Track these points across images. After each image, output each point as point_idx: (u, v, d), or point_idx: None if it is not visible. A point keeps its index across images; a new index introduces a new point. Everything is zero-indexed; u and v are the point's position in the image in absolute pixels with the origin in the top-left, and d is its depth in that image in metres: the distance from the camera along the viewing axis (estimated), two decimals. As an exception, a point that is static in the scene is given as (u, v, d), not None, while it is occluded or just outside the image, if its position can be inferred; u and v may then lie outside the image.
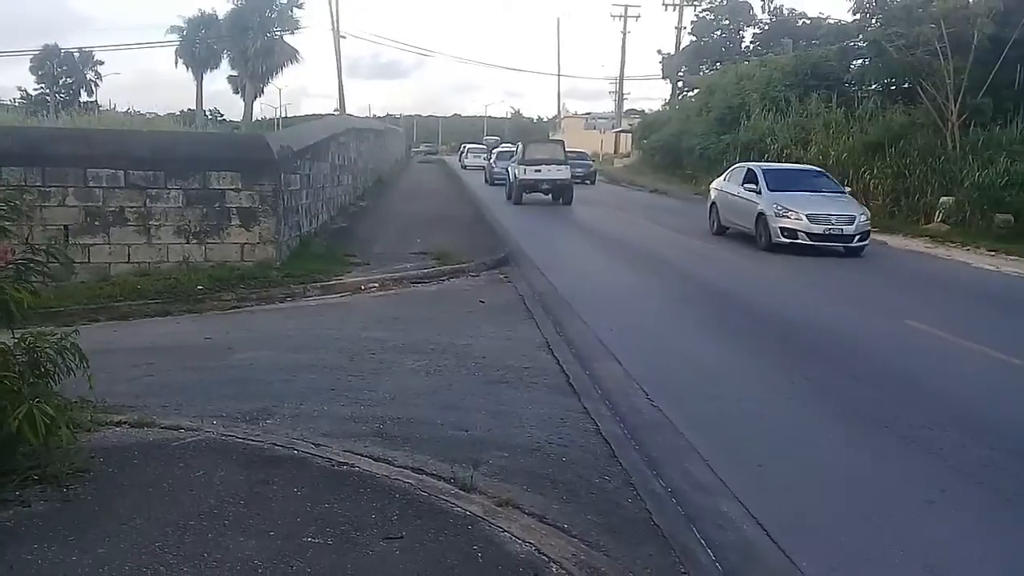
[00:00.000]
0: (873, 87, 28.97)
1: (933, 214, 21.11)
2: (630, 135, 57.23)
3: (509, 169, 28.01)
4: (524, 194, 26.05)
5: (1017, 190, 19.08)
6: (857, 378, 7.51)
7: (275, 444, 4.87)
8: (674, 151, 38.98)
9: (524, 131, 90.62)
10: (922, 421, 6.28)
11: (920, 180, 22.16)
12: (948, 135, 22.81)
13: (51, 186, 10.60)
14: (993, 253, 16.73)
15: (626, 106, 66.00)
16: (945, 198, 20.86)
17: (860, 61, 30.38)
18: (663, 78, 58.32)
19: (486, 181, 36.16)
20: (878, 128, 25.44)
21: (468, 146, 58.59)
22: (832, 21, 42.77)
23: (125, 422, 5.13)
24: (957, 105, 22.55)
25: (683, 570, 3.88)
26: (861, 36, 28.56)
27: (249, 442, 4.91)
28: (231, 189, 11.27)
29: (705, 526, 4.45)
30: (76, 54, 75.53)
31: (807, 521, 4.63)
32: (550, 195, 26.15)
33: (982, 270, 15.00)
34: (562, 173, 25.99)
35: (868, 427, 6.24)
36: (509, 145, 39.75)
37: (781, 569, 4.07)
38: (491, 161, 37.72)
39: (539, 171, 25.89)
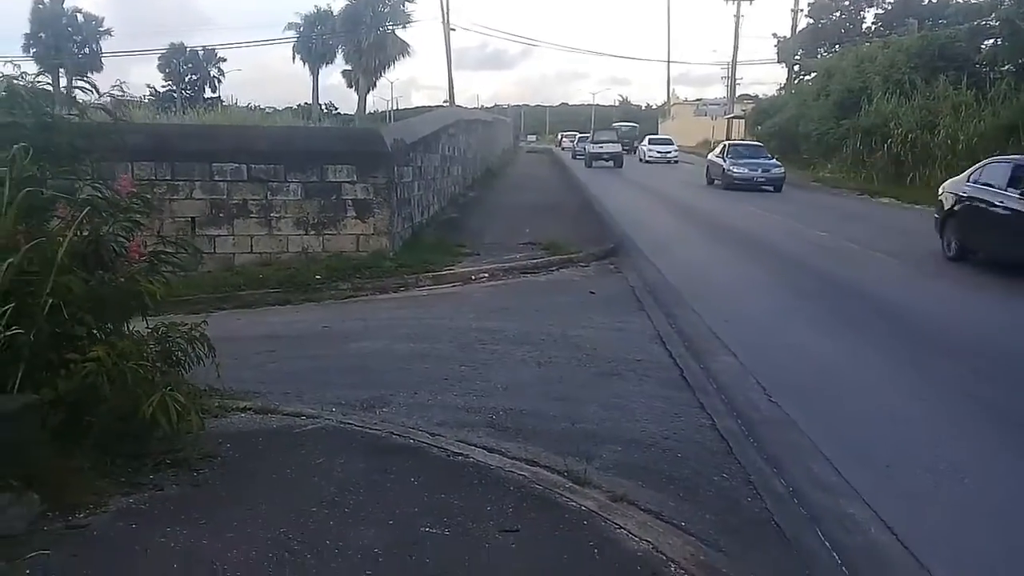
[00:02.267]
0: (1006, 67, 27.24)
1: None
2: (743, 121, 55.64)
3: (585, 147, 45.83)
4: (593, 161, 42.44)
5: None
6: (990, 378, 7.05)
7: (392, 433, 4.95)
8: (790, 137, 37.68)
9: (632, 118, 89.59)
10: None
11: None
12: (1090, 116, 21.26)
13: (179, 180, 11.13)
14: None
15: (738, 91, 64.26)
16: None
17: (992, 41, 28.61)
18: (778, 62, 56.55)
19: (572, 156, 50.68)
20: (1012, 110, 23.97)
21: (564, 134, 73.86)
22: (961, 0, 40.44)
23: (250, 408, 5.32)
24: (1102, 83, 20.98)
25: (808, 573, 3.74)
26: (993, 15, 26.92)
27: (367, 430, 5.01)
28: (347, 182, 11.55)
29: (830, 528, 4.27)
30: (200, 52, 79.17)
31: (939, 527, 4.37)
32: (611, 162, 41.79)
33: None
34: (616, 148, 43.23)
35: (1009, 429, 5.86)
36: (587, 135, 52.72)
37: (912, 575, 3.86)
38: (574, 144, 55.75)
39: (602, 147, 43.04)
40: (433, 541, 3.57)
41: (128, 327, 4.48)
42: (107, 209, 4.46)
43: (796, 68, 51.02)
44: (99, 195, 4.43)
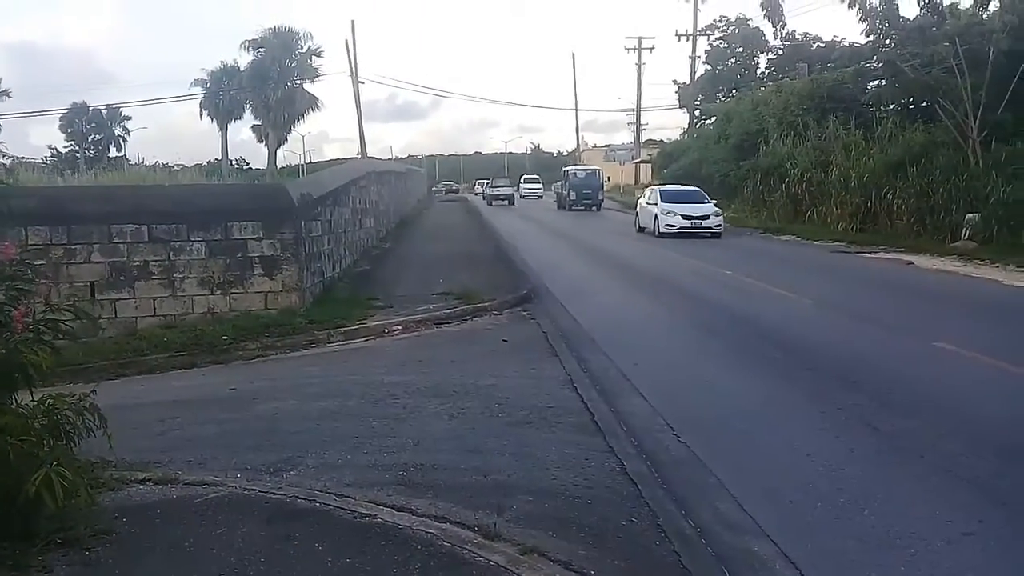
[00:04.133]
0: (891, 107, 28.84)
1: (959, 232, 20.87)
2: (650, 165, 57.33)
3: (485, 191, 59.01)
4: (492, 200, 52.40)
5: (1046, 205, 18.86)
6: (888, 405, 7.35)
7: (297, 497, 4.85)
8: (695, 179, 38.82)
9: (544, 165, 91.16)
10: (960, 449, 6.13)
11: (944, 198, 21.99)
12: (970, 152, 22.65)
13: (76, 243, 10.76)
14: (1023, 269, 16.46)
15: (644, 136, 66.29)
16: (971, 215, 20.65)
17: (876, 82, 30.24)
18: (680, 107, 58.54)
19: (483, 199, 57.28)
20: (898, 148, 25.35)
21: (478, 181, 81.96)
22: (846, 44, 42.61)
23: (149, 479, 5.14)
24: (977, 121, 22.41)
25: (714, 615, 3.79)
26: (876, 57, 28.47)
27: (272, 496, 4.89)
28: (253, 238, 11.38)
29: (736, 567, 4.36)
30: (104, 110, 77.35)
31: (840, 558, 4.49)
32: (505, 200, 52.38)
33: (1013, 287, 14.73)
34: (509, 191, 54.67)
35: (903, 458, 6.10)
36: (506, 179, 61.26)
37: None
38: (484, 190, 61.86)
39: (498, 190, 54.29)
40: (337, 609, 3.49)
41: (13, 400, 4.29)
42: (-12, 278, 4.29)
43: (697, 113, 52.94)
44: (-23, 265, 4.26)
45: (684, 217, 25.03)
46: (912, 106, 27.76)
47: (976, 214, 20.42)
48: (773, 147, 31.32)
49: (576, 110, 71.55)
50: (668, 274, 17.27)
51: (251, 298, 11.33)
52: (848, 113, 29.90)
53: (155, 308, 11.02)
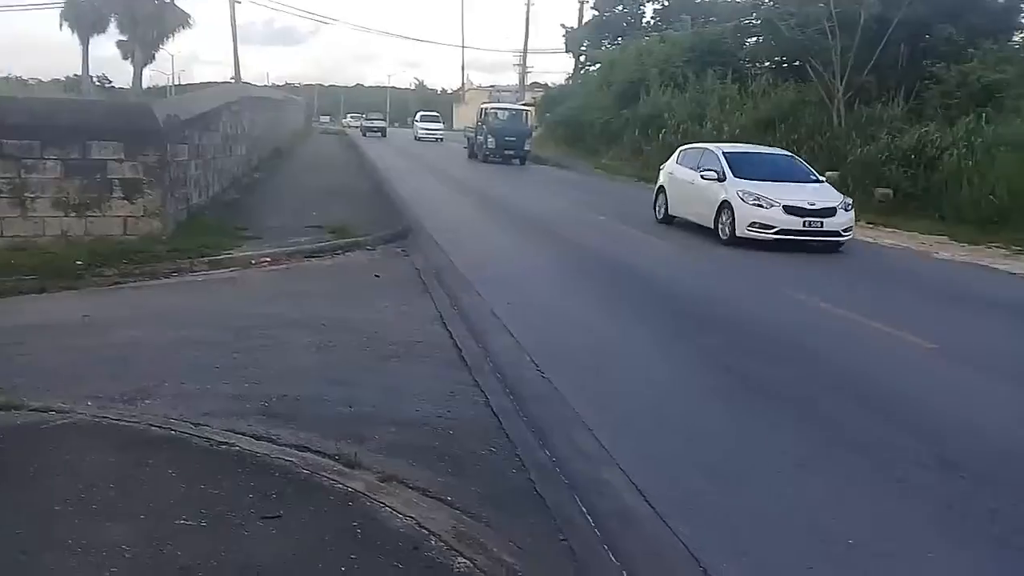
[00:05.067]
0: (766, 65, 29.86)
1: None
2: (533, 108, 57.37)
3: (362, 123, 64.76)
4: (367, 132, 58.02)
5: (896, 165, 20.02)
6: (743, 348, 7.77)
7: (151, 425, 4.71)
8: (576, 125, 39.32)
9: (428, 102, 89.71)
10: (798, 387, 6.58)
11: (808, 155, 22.95)
12: (834, 112, 23.75)
13: (-87, 157, 9.91)
14: (872, 226, 17.56)
15: (530, 79, 66.14)
16: (830, 173, 21.69)
17: (754, 39, 31.22)
18: (566, 52, 58.59)
19: (362, 132, 59.66)
20: (770, 105, 26.31)
21: (350, 115, 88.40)
22: (729, 0, 43.69)
23: (-9, 405, 4.88)
24: (843, 83, 23.47)
25: (563, 537, 3.96)
26: (755, 15, 29.36)
27: (124, 423, 4.74)
28: (114, 159, 10.75)
29: (587, 495, 4.54)
30: (-52, 14, 70.63)
31: (685, 488, 4.76)
32: (378, 132, 57.99)
33: (861, 242, 15.68)
34: (382, 124, 62.70)
35: (752, 395, 6.49)
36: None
37: (658, 535, 4.19)
38: (361, 123, 66.55)
39: (373, 123, 60.32)
40: (188, 533, 3.45)
41: None
42: None
43: (583, 59, 53.18)
44: None
45: (790, 211, 13.85)
46: (785, 64, 28.84)
47: (835, 172, 21.52)
48: (654, 97, 31.93)
49: (463, 47, 71.15)
50: (538, 212, 17.51)
51: (109, 222, 10.75)
52: (726, 68, 30.76)
53: (2, 229, 10.31)
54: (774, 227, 13.71)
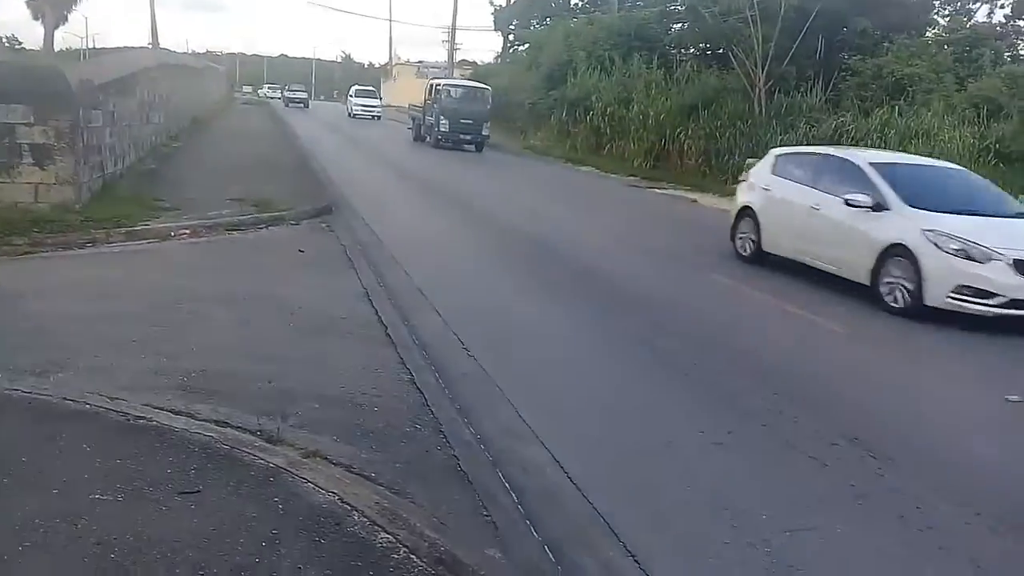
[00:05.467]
0: (691, 51, 30.32)
1: (739, 175, 22.50)
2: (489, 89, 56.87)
3: (284, 95, 67.60)
4: (288, 103, 61.29)
5: (814, 154, 20.56)
6: (664, 327, 7.95)
7: (65, 399, 4.56)
8: (505, 105, 39.20)
9: (355, 76, 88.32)
10: (717, 368, 6.77)
11: (729, 142, 23.55)
12: (755, 100, 24.31)
13: None
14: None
15: (459, 57, 65.52)
16: (751, 160, 22.20)
17: (679, 25, 31.63)
18: (495, 30, 58.34)
19: (284, 103, 62.39)
20: (693, 91, 26.73)
21: (268, 84, 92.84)
22: (655, -16, 44.08)
23: None
24: (764, 72, 24.03)
25: (485, 513, 4.01)
26: (680, 1, 29.75)
27: (36, 396, 4.58)
28: (22, 123, 10.27)
29: (510, 471, 4.60)
30: None
31: (605, 465, 4.87)
32: (301, 104, 62.39)
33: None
34: (304, 95, 66.08)
35: (670, 375, 6.65)
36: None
37: (579, 510, 4.27)
38: (283, 95, 68.43)
39: (295, 94, 64.76)
40: (103, 508, 3.37)
41: None
42: None
43: (511, 38, 53.05)
44: None
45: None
46: (709, 52, 29.38)
47: (756, 159, 22.05)
48: (581, 79, 32.03)
49: (391, 21, 69.85)
50: (468, 195, 17.47)
51: (18, 189, 10.30)
52: (652, 53, 31.08)
53: (-100, 194, 9.79)
54: (1000, 296, 8.48)
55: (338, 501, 3.66)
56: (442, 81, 33.56)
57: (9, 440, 3.93)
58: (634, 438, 5.32)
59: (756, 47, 23.85)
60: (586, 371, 6.70)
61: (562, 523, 4.13)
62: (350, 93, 53.56)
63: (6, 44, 66.65)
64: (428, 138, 30.79)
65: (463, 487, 4.22)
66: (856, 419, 5.85)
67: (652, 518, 4.25)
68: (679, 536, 4.11)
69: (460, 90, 31.53)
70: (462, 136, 29.56)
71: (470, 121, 29.40)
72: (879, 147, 19.09)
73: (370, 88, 56.47)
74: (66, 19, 61.79)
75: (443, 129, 29.43)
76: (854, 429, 5.55)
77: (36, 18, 61.16)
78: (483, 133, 29.70)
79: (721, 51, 27.45)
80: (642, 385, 6.43)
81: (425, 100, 31.64)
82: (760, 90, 24.23)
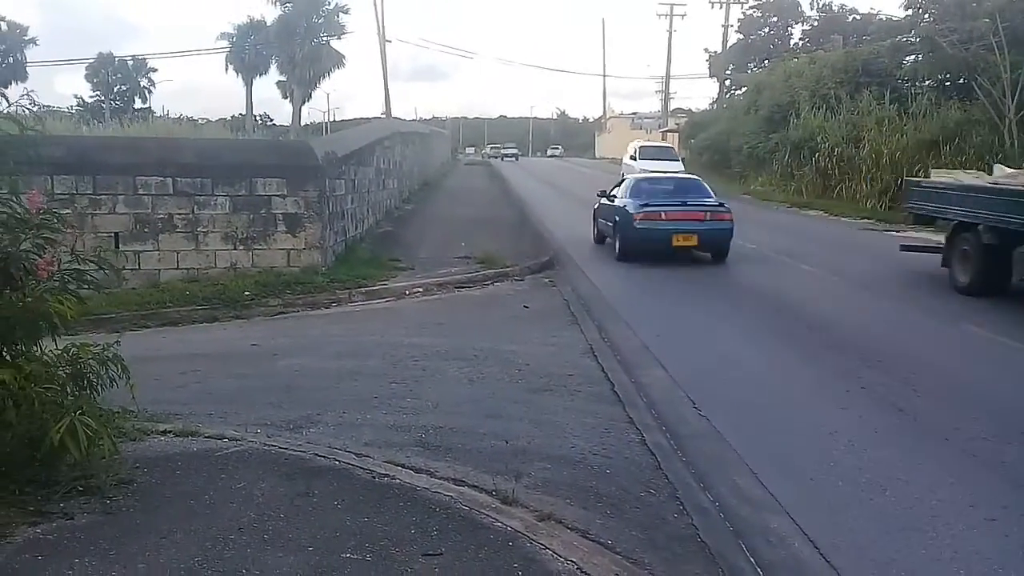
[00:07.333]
0: (927, 83, 28.23)
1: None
2: (677, 134, 56.65)
3: (499, 153, 76.64)
4: (503, 158, 67.43)
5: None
6: (912, 386, 7.24)
7: (317, 454, 4.85)
8: (722, 150, 38.42)
9: (570, 131, 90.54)
10: (981, 432, 6.04)
11: (978, 178, 21.52)
12: (1005, 132, 22.16)
13: (102, 194, 10.82)
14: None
15: (672, 105, 65.38)
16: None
17: (913, 57, 29.60)
18: (710, 77, 57.64)
19: (500, 159, 70.17)
20: (933, 125, 24.80)
21: (491, 145, 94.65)
22: (883, 17, 41.73)
23: (170, 431, 5.16)
24: (1014, 101, 21.89)
25: (730, 589, 3.76)
26: (913, 32, 27.86)
27: (291, 452, 4.90)
28: (277, 195, 11.37)
29: (754, 542, 4.31)
30: (130, 62, 77.24)
31: (859, 538, 4.44)
32: (513, 158, 70.02)
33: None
34: (515, 151, 77.38)
35: (927, 440, 6.01)
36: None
37: (833, 588, 3.91)
38: (499, 153, 77.39)
39: (508, 151, 75.10)
40: (353, 567, 3.49)
41: (38, 349, 4.30)
42: (17, 226, 4.27)
43: (727, 83, 52.12)
44: (7, 211, 4.25)
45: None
46: (948, 83, 27.18)
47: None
48: (804, 120, 30.75)
49: (604, 76, 70.86)
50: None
51: (273, 255, 11.35)
52: (883, 88, 29.26)
53: (178, 261, 11.07)
54: None
55: (577, 570, 3.56)
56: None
57: (270, 496, 4.19)
58: (891, 510, 4.81)
59: (1003, 74, 21.81)
60: (828, 432, 6.17)
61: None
62: (498, 147, 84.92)
63: (259, 121, 74.58)
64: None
65: (705, 559, 3.99)
66: None
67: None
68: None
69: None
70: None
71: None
72: None
73: (512, 142, 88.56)
74: (310, 96, 68.52)
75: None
76: None
77: (285, 96, 68.34)
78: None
79: (962, 81, 25.33)
80: (895, 450, 5.83)
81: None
82: (1010, 120, 22.06)
